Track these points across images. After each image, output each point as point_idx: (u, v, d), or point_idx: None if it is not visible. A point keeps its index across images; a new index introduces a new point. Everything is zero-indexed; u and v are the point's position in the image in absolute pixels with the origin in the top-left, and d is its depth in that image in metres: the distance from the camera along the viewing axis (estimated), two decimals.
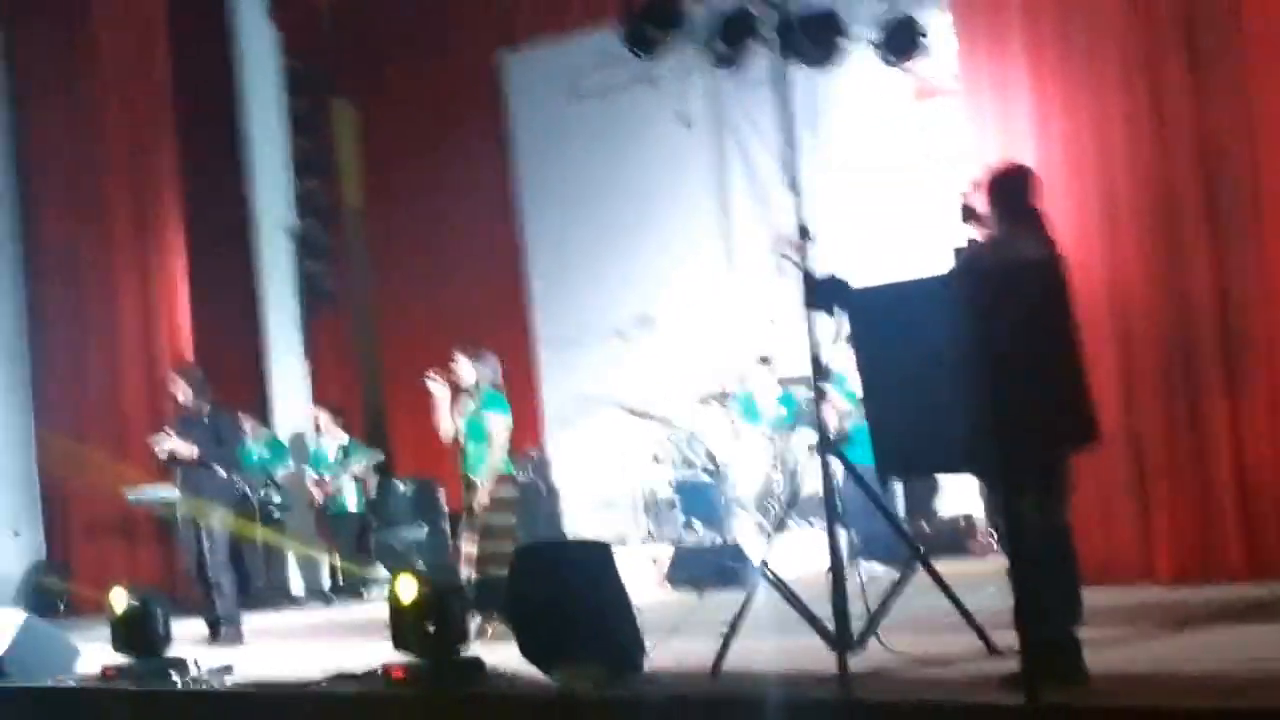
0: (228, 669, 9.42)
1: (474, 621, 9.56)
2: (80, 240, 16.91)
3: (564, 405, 15.96)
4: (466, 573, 10.69)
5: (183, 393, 12.54)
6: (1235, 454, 9.40)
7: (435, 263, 17.41)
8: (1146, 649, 7.16)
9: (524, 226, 17.13)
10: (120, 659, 9.76)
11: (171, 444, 12.36)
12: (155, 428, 13.41)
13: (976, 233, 6.88)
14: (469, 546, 10.81)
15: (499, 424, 10.89)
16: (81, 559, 16.38)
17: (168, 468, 12.77)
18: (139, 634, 9.79)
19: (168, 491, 12.96)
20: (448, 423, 11.01)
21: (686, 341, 15.00)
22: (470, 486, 10.93)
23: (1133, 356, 9.63)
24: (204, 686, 9.16)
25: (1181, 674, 6.47)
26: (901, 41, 9.73)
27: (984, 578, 8.39)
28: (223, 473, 12.47)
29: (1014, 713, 5.72)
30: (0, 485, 16.76)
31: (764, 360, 13.84)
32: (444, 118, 17.43)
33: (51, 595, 15.70)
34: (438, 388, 10.98)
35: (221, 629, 11.91)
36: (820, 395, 8.12)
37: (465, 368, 11.00)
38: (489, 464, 10.82)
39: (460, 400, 11.01)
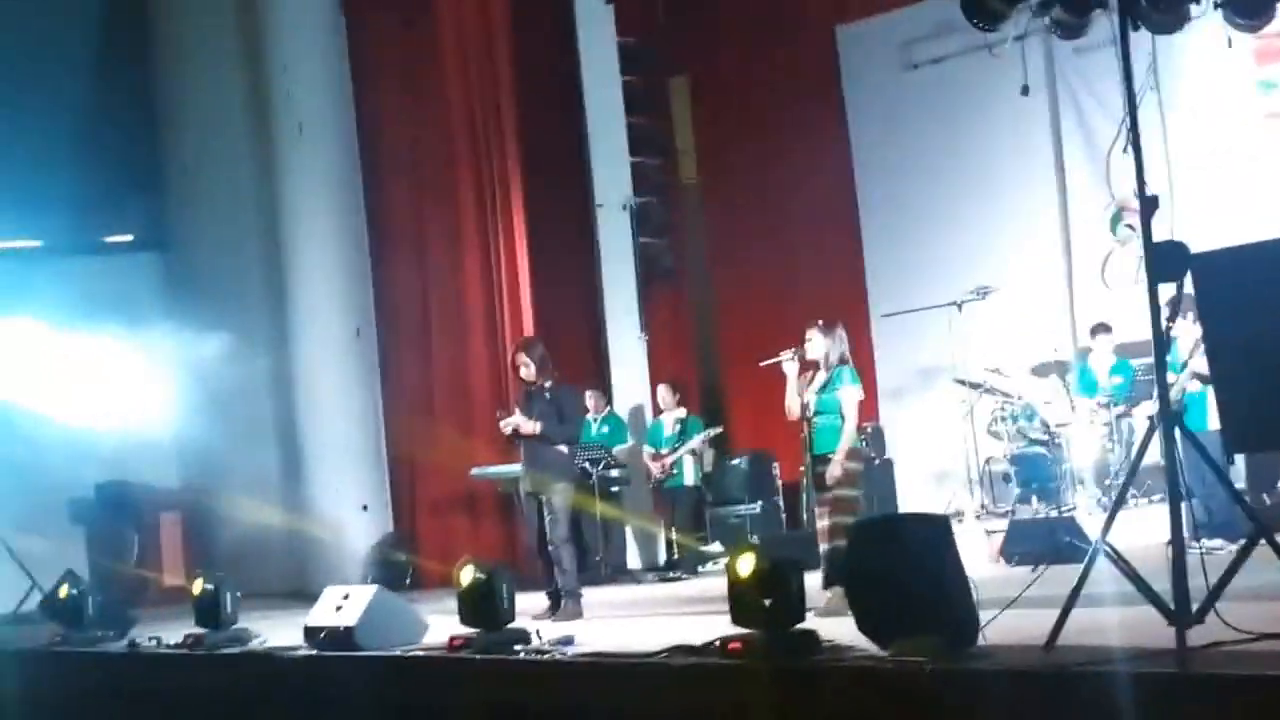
0: (569, 641, 9.55)
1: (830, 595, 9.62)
2: (425, 221, 17.35)
3: (899, 377, 15.90)
4: (822, 546, 10.70)
5: (526, 369, 12.67)
6: None
7: (771, 237, 17.45)
8: None
9: (860, 199, 17.05)
10: (466, 631, 9.95)
11: (515, 420, 12.53)
12: (499, 404, 13.66)
13: None
14: (821, 520, 10.81)
15: (853, 397, 10.87)
16: (426, 533, 16.80)
17: (511, 443, 12.95)
18: (485, 607, 9.93)
19: (510, 467, 13.14)
20: (796, 397, 11.00)
21: (1023, 312, 14.80)
22: (818, 461, 10.93)
23: None
24: (547, 656, 9.30)
25: None
26: (1250, 2, 9.40)
27: None
28: (565, 448, 12.61)
29: None
30: (351, 462, 17.24)
31: (1100, 329, 13.56)
32: (779, 92, 17.49)
33: (398, 568, 16.06)
34: (789, 363, 10.98)
35: (562, 603, 12.03)
36: (1162, 366, 7.93)
37: (818, 342, 10.98)
38: (844, 437, 10.81)
39: (811, 374, 11.01)
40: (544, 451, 12.45)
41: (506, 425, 12.60)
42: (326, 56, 17.73)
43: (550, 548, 12.15)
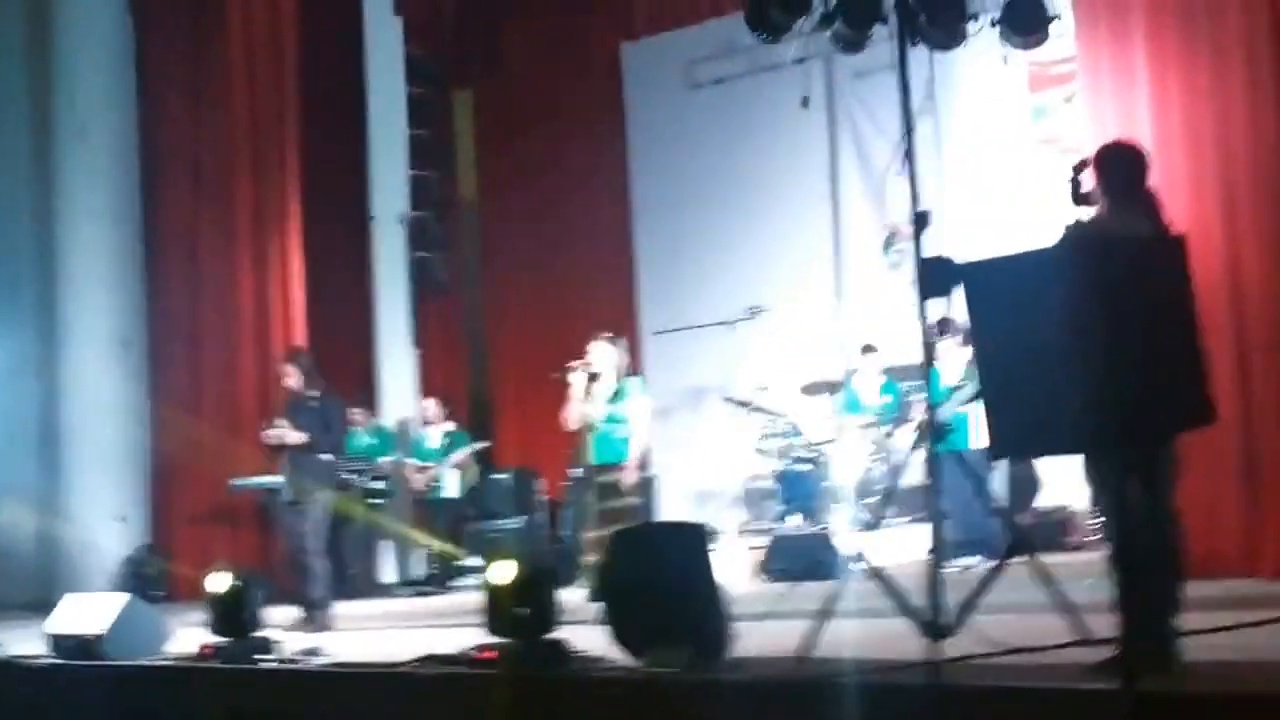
0: (315, 652, 9.37)
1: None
2: (200, 229, 16.99)
3: (668, 396, 15.77)
4: (595, 557, 10.63)
5: (293, 378, 12.55)
6: None
7: (547, 254, 17.37)
8: (1243, 637, 6.90)
9: (637, 217, 16.98)
10: (215, 640, 9.72)
11: (279, 430, 12.36)
12: (268, 415, 13.41)
13: (1089, 212, 6.73)
14: (599, 530, 10.77)
15: (644, 407, 10.87)
16: (185, 543, 16.39)
17: (274, 453, 12.74)
18: (233, 616, 9.76)
19: (272, 478, 12.93)
20: (581, 409, 10.97)
21: (794, 331, 14.79)
22: (600, 470, 10.93)
23: (1248, 340, 9.39)
24: (292, 666, 9.12)
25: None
26: (1025, 20, 9.45)
27: (1084, 569, 8.21)
28: (328, 459, 12.45)
29: (1107, 698, 5.51)
30: (112, 471, 16.80)
31: (868, 349, 13.59)
32: (561, 108, 17.43)
33: (153, 579, 15.74)
34: (576, 375, 10.97)
35: (313, 614, 11.88)
36: (927, 385, 7.93)
37: (605, 354, 10.96)
38: (637, 445, 10.84)
39: (595, 386, 10.99)
40: (306, 461, 12.34)
41: (271, 436, 12.43)
42: (111, 58, 17.35)
43: (304, 558, 11.99)
